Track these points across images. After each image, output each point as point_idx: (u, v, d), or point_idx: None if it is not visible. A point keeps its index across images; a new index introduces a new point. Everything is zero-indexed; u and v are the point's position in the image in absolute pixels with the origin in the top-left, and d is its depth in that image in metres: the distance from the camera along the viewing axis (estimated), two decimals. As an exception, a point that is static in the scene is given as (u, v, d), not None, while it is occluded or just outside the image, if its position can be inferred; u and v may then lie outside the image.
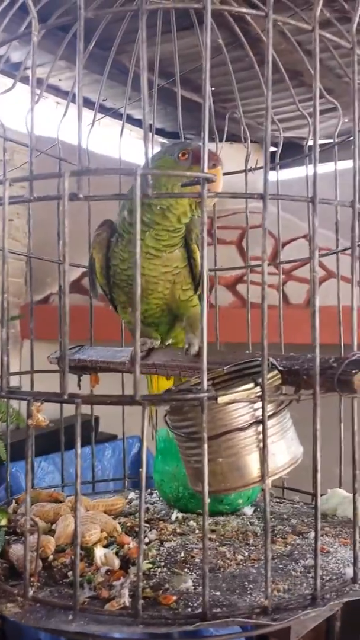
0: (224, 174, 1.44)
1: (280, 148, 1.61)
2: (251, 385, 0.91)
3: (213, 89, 2.95)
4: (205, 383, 0.85)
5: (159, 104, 1.88)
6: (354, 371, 0.91)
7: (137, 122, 3.48)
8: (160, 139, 4.20)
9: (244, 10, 0.94)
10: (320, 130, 1.24)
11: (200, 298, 1.45)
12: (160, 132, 4.09)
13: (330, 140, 1.59)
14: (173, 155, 1.25)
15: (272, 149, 1.16)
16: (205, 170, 0.86)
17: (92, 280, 1.45)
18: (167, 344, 1.46)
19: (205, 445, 0.84)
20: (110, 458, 2.97)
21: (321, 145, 1.66)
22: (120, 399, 0.89)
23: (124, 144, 1.77)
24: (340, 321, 1.47)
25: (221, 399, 0.89)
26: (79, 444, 0.86)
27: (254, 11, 0.95)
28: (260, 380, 0.87)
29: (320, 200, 0.95)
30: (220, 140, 1.71)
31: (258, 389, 0.90)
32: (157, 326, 1.45)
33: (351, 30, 1.03)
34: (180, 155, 1.24)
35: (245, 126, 1.66)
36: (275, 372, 0.98)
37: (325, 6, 1.30)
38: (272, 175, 1.75)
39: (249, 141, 1.63)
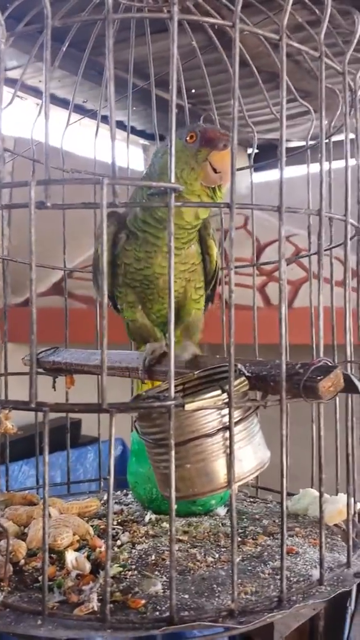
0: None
1: (255, 150, 1.62)
2: (218, 392, 0.92)
3: (193, 91, 2.95)
4: (173, 390, 0.86)
5: (140, 105, 1.89)
6: (319, 377, 0.93)
7: (118, 124, 3.48)
8: (142, 141, 4.19)
9: (210, 20, 0.95)
10: (298, 132, 1.25)
11: (209, 298, 1.42)
12: (141, 134, 4.08)
13: (304, 143, 1.61)
14: (182, 138, 1.18)
15: (253, 151, 1.17)
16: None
17: (95, 277, 1.40)
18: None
19: (173, 452, 0.85)
20: (92, 461, 2.97)
21: (297, 148, 1.68)
22: (88, 407, 0.89)
23: (104, 146, 1.77)
24: (312, 322, 1.48)
25: (188, 406, 0.90)
26: (46, 452, 0.87)
27: (220, 21, 0.96)
28: (227, 387, 0.89)
29: (287, 209, 0.96)
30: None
31: (225, 395, 0.91)
32: (165, 326, 1.39)
33: (319, 39, 1.04)
34: (188, 137, 1.18)
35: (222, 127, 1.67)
36: (243, 378, 0.99)
37: (299, 10, 1.31)
38: (255, 177, 1.77)
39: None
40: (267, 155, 1.61)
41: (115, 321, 1.67)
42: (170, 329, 0.86)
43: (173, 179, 0.88)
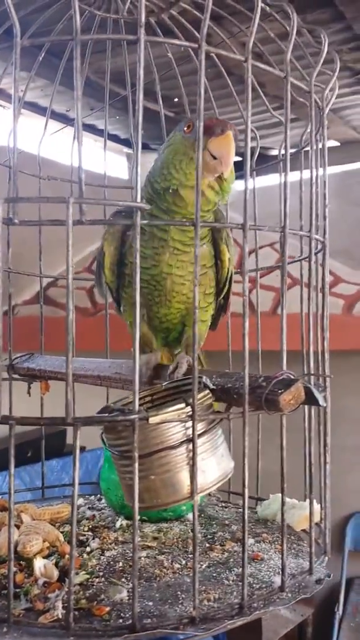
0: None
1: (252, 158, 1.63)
2: (182, 405, 0.94)
3: (176, 99, 2.97)
4: (137, 404, 0.89)
5: (123, 114, 1.90)
6: (280, 391, 0.96)
7: (101, 133, 3.51)
8: (126, 150, 4.21)
9: (176, 42, 0.97)
10: (280, 140, 1.26)
11: (222, 307, 1.37)
12: (125, 142, 4.09)
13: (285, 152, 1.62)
14: (180, 130, 1.17)
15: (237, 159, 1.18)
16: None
17: (98, 275, 1.33)
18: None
19: (136, 465, 0.87)
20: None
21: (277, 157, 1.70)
22: (53, 420, 0.91)
23: (89, 154, 1.78)
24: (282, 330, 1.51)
25: (152, 420, 0.92)
26: (12, 464, 0.89)
27: (185, 43, 0.98)
28: (191, 400, 0.91)
29: (251, 226, 0.99)
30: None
31: (189, 408, 0.94)
32: (169, 334, 1.34)
33: (285, 59, 1.07)
34: (185, 128, 1.16)
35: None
36: (207, 391, 1.02)
37: (270, 22, 1.33)
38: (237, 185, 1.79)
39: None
40: (254, 162, 1.62)
41: (100, 329, 1.70)
42: (135, 334, 0.87)
43: (139, 198, 0.90)
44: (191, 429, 0.94)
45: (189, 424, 0.95)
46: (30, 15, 1.31)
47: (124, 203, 0.93)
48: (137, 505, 0.87)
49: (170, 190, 1.16)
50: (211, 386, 1.03)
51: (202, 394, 0.99)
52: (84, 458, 2.95)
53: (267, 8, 1.20)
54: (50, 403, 1.60)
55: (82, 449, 3.05)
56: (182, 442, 0.96)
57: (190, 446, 0.95)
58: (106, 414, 0.99)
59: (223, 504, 1.58)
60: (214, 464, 0.99)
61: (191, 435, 0.94)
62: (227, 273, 1.29)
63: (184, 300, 1.24)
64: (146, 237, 1.20)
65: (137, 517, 0.87)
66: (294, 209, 1.13)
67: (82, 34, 0.88)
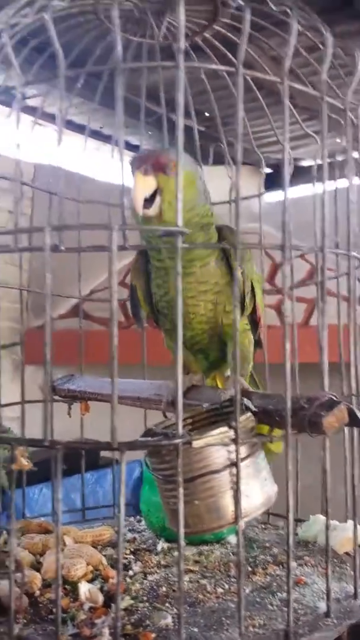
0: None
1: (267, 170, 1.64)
2: (225, 428, 0.94)
3: (207, 114, 2.98)
4: (180, 428, 0.89)
5: (153, 129, 1.92)
6: (323, 413, 0.95)
7: (134, 147, 3.57)
8: None
9: (214, 66, 0.99)
10: (311, 151, 1.25)
11: (254, 324, 1.32)
12: None
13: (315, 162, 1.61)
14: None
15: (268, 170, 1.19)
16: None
17: (134, 307, 1.35)
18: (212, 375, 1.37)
19: (181, 489, 0.87)
20: (112, 483, 2.98)
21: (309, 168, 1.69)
22: (99, 444, 0.92)
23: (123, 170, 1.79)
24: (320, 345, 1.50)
25: (196, 444, 0.92)
26: (59, 491, 0.90)
27: (223, 67, 0.99)
28: (233, 423, 0.91)
29: (293, 246, 0.99)
30: (206, 163, 1.72)
31: (232, 432, 0.93)
32: (207, 354, 1.32)
33: (321, 80, 1.07)
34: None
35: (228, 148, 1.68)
36: (249, 413, 1.01)
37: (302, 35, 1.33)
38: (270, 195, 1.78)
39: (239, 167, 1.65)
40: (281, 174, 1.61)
41: (132, 342, 1.71)
42: (177, 358, 0.87)
43: (180, 222, 0.91)
44: (234, 452, 0.94)
45: (232, 447, 0.95)
46: (68, 38, 1.34)
47: (166, 229, 0.94)
48: (182, 530, 0.87)
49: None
50: (253, 409, 1.03)
51: (244, 417, 0.99)
52: (118, 471, 2.93)
53: (300, 28, 1.21)
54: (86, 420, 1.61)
55: (116, 461, 3.05)
56: (225, 466, 0.96)
57: (234, 470, 0.94)
58: (150, 438, 1.00)
59: (262, 526, 1.56)
60: (257, 488, 0.99)
61: (234, 459, 0.94)
62: (244, 287, 1.26)
63: (204, 320, 1.23)
64: (154, 269, 1.24)
65: (183, 542, 0.87)
66: (328, 222, 1.13)
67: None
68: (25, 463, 1.04)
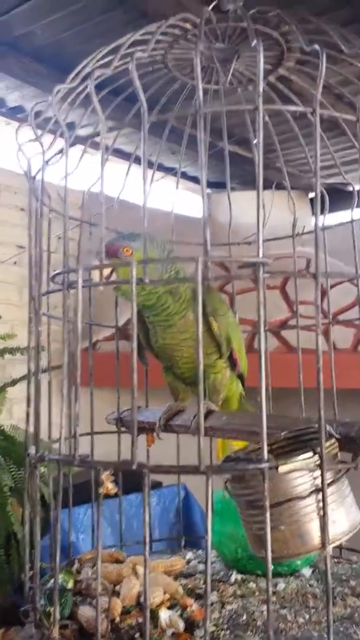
0: (270, 240, 1.51)
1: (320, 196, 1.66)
2: (310, 454, 0.96)
3: (255, 141, 3.05)
4: (266, 452, 0.91)
5: (213, 160, 1.98)
6: None
7: (193, 178, 3.75)
8: (208, 190, 4.34)
9: (292, 108, 1.03)
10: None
11: (232, 363, 1.45)
12: (195, 180, 4.22)
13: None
14: None
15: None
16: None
17: (139, 349, 1.43)
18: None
19: (268, 514, 0.89)
20: (155, 506, 2.93)
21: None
22: (185, 468, 0.94)
23: (179, 198, 1.84)
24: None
25: (282, 469, 0.94)
26: (147, 515, 0.92)
27: (302, 108, 1.04)
28: (318, 449, 0.93)
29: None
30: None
31: (317, 457, 0.95)
32: (195, 385, 1.41)
33: (357, 106, 1.11)
34: None
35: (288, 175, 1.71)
36: (333, 440, 1.02)
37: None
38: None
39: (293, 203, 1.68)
40: (331, 198, 1.63)
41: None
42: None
43: (261, 253, 0.95)
44: (319, 478, 0.95)
45: (317, 473, 0.96)
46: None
47: (249, 259, 0.97)
48: (269, 555, 0.88)
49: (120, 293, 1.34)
50: (336, 435, 1.03)
51: (328, 443, 1.00)
52: (161, 494, 2.90)
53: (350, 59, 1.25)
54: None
55: (159, 484, 3.01)
56: (311, 492, 0.97)
57: (319, 496, 0.95)
58: (235, 462, 1.02)
59: (335, 560, 1.54)
60: (343, 514, 0.99)
61: (319, 485, 0.95)
62: (220, 332, 1.39)
63: (189, 361, 1.40)
64: (148, 321, 1.39)
65: (271, 570, 0.88)
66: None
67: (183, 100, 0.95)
68: (110, 487, 1.07)
